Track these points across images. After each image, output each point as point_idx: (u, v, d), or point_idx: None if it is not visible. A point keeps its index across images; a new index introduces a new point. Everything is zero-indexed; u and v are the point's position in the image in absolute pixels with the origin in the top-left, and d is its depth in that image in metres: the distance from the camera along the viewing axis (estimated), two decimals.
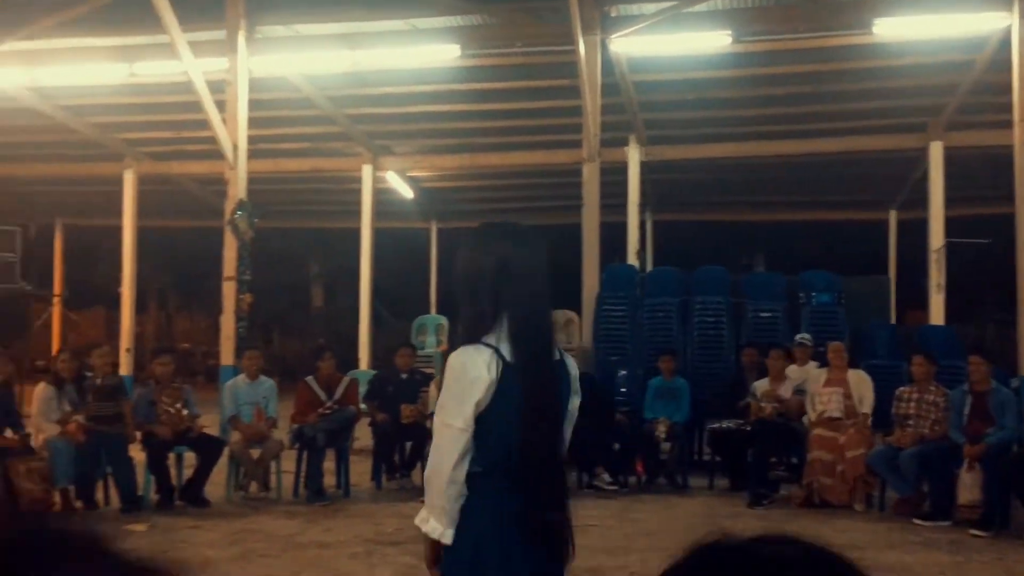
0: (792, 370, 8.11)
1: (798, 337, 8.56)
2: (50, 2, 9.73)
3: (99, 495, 7.36)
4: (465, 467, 2.26)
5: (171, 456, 7.59)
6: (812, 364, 8.19)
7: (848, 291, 9.89)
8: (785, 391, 7.90)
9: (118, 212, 14.38)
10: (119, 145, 13.82)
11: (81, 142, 13.59)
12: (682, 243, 16.22)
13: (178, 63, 9.77)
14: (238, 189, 10.19)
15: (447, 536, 2.26)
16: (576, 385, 2.51)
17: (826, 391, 7.58)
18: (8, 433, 6.93)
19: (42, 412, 7.25)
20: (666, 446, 8.30)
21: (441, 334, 11.62)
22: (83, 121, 12.92)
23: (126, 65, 10.70)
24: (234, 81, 10.01)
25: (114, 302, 16.59)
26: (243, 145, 10.18)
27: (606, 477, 8.03)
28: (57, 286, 17.93)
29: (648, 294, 9.79)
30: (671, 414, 8.21)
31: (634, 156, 12.22)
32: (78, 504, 7.19)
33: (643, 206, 13.02)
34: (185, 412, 7.65)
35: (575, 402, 2.51)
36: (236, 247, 10.23)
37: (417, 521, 2.33)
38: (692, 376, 8.86)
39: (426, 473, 2.32)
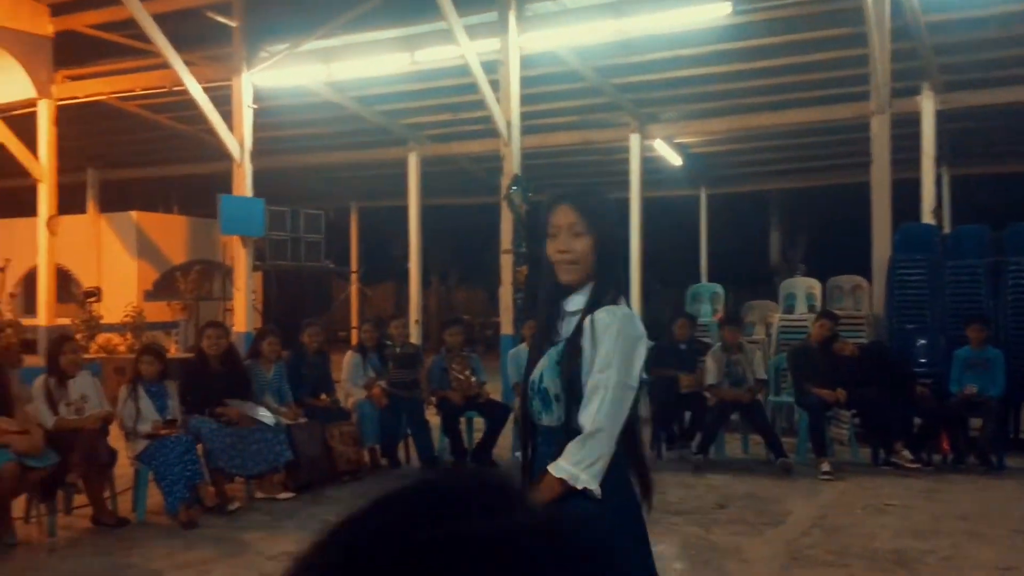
0: None
1: None
2: (342, 2, 10.56)
3: (400, 454, 7.98)
4: None
5: (462, 420, 8.04)
6: None
7: None
8: None
9: (403, 193, 15.42)
10: (402, 130, 14.78)
11: (370, 130, 14.69)
12: (984, 199, 14.58)
13: (455, 48, 10.23)
14: (512, 165, 10.52)
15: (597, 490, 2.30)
16: None
17: None
18: (323, 397, 7.67)
19: (350, 378, 7.96)
20: (976, 422, 7.53)
21: (717, 303, 11.27)
22: (371, 110, 13.95)
23: (408, 54, 11.36)
24: (506, 60, 10.32)
25: (402, 277, 17.87)
26: (516, 122, 10.49)
27: (907, 454, 7.43)
28: (354, 264, 19.65)
29: (950, 256, 8.88)
30: (984, 387, 7.42)
31: (928, 105, 11.12)
32: (383, 462, 7.84)
33: (939, 160, 11.84)
34: (474, 379, 8.06)
35: None
36: (512, 221, 10.58)
37: (562, 475, 2.29)
38: (1006, 345, 7.95)
39: (594, 429, 2.30)
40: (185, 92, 11.18)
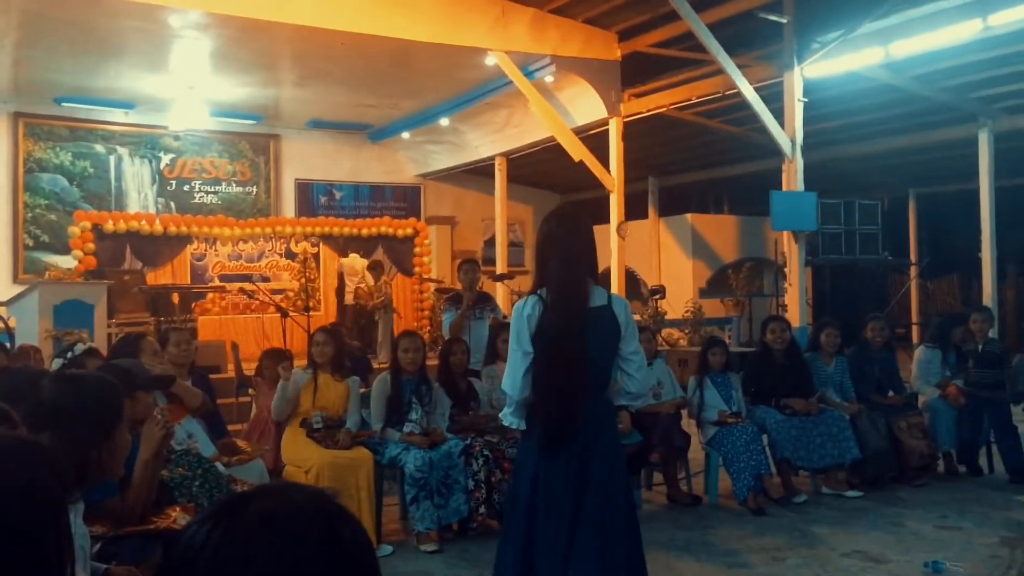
0: None
1: None
2: None
3: (982, 462, 7.19)
4: (528, 382, 3.32)
5: None
6: None
7: None
8: None
9: (971, 175, 13.91)
10: (972, 105, 13.32)
11: (932, 109, 13.53)
12: None
13: None
14: None
15: (522, 425, 3.44)
16: (626, 329, 3.40)
17: None
18: (892, 396, 7.25)
19: (921, 375, 7.42)
20: None
21: None
22: (933, 87, 12.82)
23: (979, 20, 10.21)
24: None
25: (969, 268, 16.18)
26: None
27: None
28: (912, 255, 18.32)
29: None
30: None
31: None
32: (961, 469, 7.16)
33: None
34: None
35: (628, 344, 3.42)
36: None
37: (502, 417, 3.50)
38: None
39: (503, 386, 3.45)
40: (737, 95, 11.52)
